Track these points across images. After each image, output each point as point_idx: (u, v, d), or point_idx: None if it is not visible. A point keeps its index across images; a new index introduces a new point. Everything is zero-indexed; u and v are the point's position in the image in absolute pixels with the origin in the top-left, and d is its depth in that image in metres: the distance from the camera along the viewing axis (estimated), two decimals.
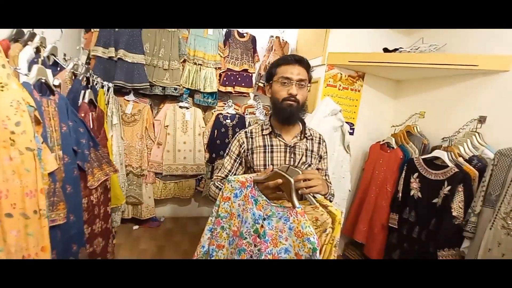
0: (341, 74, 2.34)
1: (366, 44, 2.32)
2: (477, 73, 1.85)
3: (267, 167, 1.06)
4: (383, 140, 2.30)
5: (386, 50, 2.21)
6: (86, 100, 1.48)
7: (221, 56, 2.71)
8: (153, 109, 2.71)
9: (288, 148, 1.10)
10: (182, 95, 2.64)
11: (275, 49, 2.79)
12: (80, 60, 1.69)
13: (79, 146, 1.27)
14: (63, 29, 1.57)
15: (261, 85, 2.86)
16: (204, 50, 2.62)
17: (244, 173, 1.14)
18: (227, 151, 1.18)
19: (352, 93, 2.41)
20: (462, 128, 1.87)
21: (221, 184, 1.06)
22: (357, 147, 2.48)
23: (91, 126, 1.49)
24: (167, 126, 2.63)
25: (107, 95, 1.94)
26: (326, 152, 1.22)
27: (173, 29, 2.46)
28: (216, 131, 2.72)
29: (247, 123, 2.79)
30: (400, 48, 2.18)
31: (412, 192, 1.92)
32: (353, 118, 2.46)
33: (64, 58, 1.68)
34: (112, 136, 2.01)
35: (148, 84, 2.37)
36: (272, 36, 2.86)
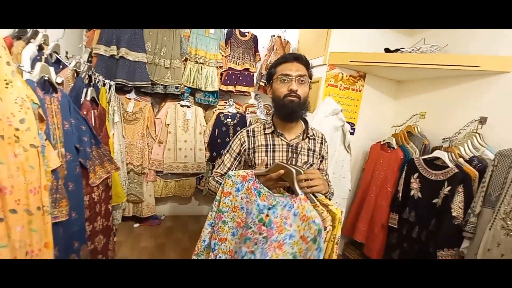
0: (342, 74, 2.34)
1: (368, 44, 2.32)
2: (478, 74, 1.85)
3: (269, 166, 1.06)
4: (384, 140, 2.31)
5: (387, 50, 2.22)
6: (88, 98, 1.49)
7: (222, 55, 2.71)
8: (154, 107, 2.72)
9: (290, 147, 1.10)
10: (183, 94, 2.65)
11: (276, 49, 2.79)
12: (82, 58, 1.69)
13: (81, 143, 1.27)
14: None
15: (262, 84, 2.86)
16: (205, 49, 2.62)
17: None
18: (227, 148, 1.18)
19: (353, 93, 2.41)
20: (462, 129, 1.87)
21: (221, 179, 1.07)
22: (358, 147, 2.49)
23: (93, 124, 1.49)
24: (168, 124, 2.64)
25: (108, 93, 1.95)
26: (327, 152, 1.22)
27: (175, 28, 2.47)
28: (217, 130, 2.73)
29: (248, 122, 2.79)
30: (402, 48, 2.18)
31: (412, 192, 1.93)
32: (354, 118, 2.47)
33: (66, 56, 1.68)
34: (113, 134, 2.01)
35: (150, 82, 2.38)
36: (273, 36, 2.86)
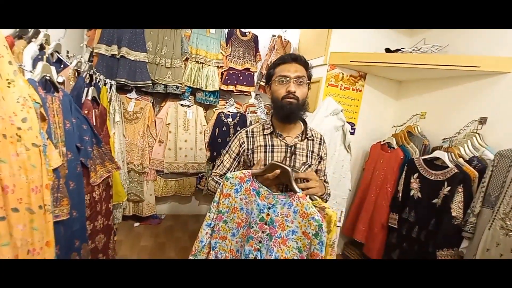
0: (342, 74, 2.34)
1: (368, 44, 2.33)
2: (478, 75, 1.85)
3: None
4: (384, 140, 2.31)
5: (388, 50, 2.22)
6: (89, 98, 1.49)
7: (223, 55, 2.71)
8: (155, 107, 2.72)
9: (288, 148, 1.10)
10: (184, 94, 2.65)
11: (277, 48, 2.79)
12: (83, 58, 1.70)
13: (82, 143, 1.28)
14: None
15: (263, 84, 2.86)
16: (206, 48, 2.63)
17: None
18: (226, 149, 1.18)
19: (353, 93, 2.42)
20: (462, 129, 1.88)
21: (220, 180, 1.07)
22: (358, 147, 2.50)
23: (94, 123, 1.50)
24: (168, 124, 2.65)
25: (109, 92, 1.95)
26: (326, 153, 1.22)
27: (176, 28, 2.47)
28: (217, 130, 2.73)
29: (248, 122, 2.80)
30: (402, 48, 2.18)
31: (412, 192, 1.93)
32: (354, 118, 2.47)
33: (68, 56, 1.68)
34: (114, 133, 2.02)
35: (150, 82, 2.38)
36: (274, 35, 2.86)
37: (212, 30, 2.65)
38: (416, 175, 1.92)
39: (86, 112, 1.40)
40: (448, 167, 1.73)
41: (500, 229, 1.40)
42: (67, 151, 1.16)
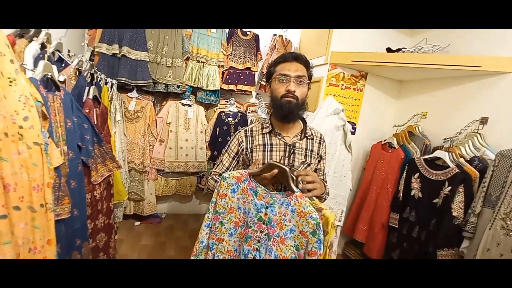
0: (343, 73, 2.34)
1: (369, 44, 2.32)
2: (480, 75, 1.85)
3: None
4: (385, 140, 2.31)
5: (389, 50, 2.21)
6: (90, 97, 1.50)
7: (224, 54, 2.71)
8: (155, 106, 2.73)
9: (287, 147, 1.09)
10: (184, 93, 2.65)
11: (278, 48, 2.79)
12: (84, 57, 1.70)
13: (84, 141, 1.28)
14: None
15: (264, 83, 2.86)
16: (207, 48, 2.63)
17: None
18: (226, 148, 1.18)
19: (354, 92, 2.41)
20: (463, 129, 1.87)
21: (219, 179, 1.07)
22: (359, 146, 2.49)
23: (95, 122, 1.50)
24: (169, 123, 2.65)
25: (110, 91, 1.96)
26: (326, 152, 1.22)
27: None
28: (218, 129, 2.73)
29: (249, 121, 2.80)
30: (403, 48, 2.18)
31: (412, 192, 1.93)
32: (355, 118, 2.47)
33: (69, 55, 1.69)
34: (115, 132, 2.02)
35: (151, 81, 2.38)
36: (275, 35, 2.86)
37: (213, 30, 2.64)
38: (417, 175, 1.92)
39: (87, 111, 1.40)
40: (449, 167, 1.73)
41: (500, 229, 1.40)
42: (68, 150, 1.16)
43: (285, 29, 2.84)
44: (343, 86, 2.37)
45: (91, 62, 1.76)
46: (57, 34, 1.45)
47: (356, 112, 2.47)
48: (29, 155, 0.80)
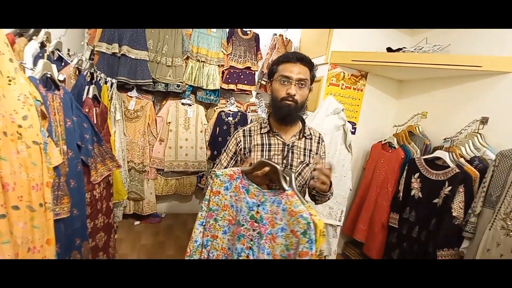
0: (344, 73, 2.34)
1: (370, 43, 2.32)
2: (480, 74, 1.84)
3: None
4: (385, 140, 2.31)
5: (389, 49, 2.21)
6: (90, 96, 1.49)
7: (224, 54, 2.71)
8: (155, 105, 2.72)
9: (286, 147, 1.09)
10: (184, 92, 2.65)
11: (278, 47, 2.79)
12: (84, 56, 1.69)
13: (83, 141, 1.28)
14: None
15: (264, 83, 2.86)
16: (207, 47, 2.62)
17: None
18: (225, 148, 1.18)
19: (354, 92, 2.41)
20: (464, 129, 1.87)
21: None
22: (359, 146, 2.49)
23: (95, 122, 1.50)
24: (169, 122, 2.64)
25: (110, 91, 1.95)
26: (325, 152, 1.21)
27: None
28: (218, 129, 2.73)
29: (249, 121, 2.79)
30: (404, 48, 2.18)
31: (412, 192, 1.93)
32: (355, 118, 2.47)
33: (68, 54, 1.68)
34: (115, 132, 2.02)
35: (151, 80, 2.38)
36: (275, 34, 2.86)
37: (213, 29, 2.64)
38: (417, 174, 1.92)
39: (87, 110, 1.40)
40: (449, 167, 1.73)
41: (500, 229, 1.40)
42: (68, 149, 1.15)
43: (285, 29, 2.83)
44: (343, 85, 2.36)
45: (90, 61, 1.76)
46: (57, 33, 1.44)
47: (356, 111, 2.46)
48: (28, 154, 0.80)
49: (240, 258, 0.90)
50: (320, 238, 0.78)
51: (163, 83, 2.48)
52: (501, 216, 1.41)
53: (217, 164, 1.18)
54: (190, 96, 2.71)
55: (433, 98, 2.22)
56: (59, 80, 1.15)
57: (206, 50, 2.62)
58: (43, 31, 1.28)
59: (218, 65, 2.69)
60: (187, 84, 2.60)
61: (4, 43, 0.77)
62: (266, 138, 1.10)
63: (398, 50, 2.17)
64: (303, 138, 1.13)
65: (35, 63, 1.09)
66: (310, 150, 1.13)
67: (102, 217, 1.56)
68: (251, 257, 0.89)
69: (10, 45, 0.82)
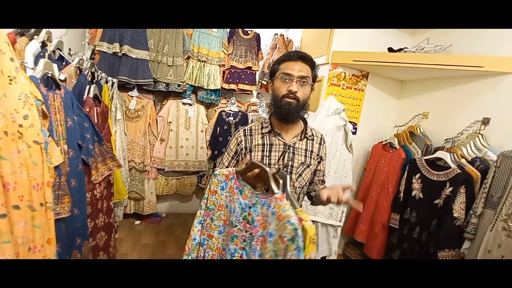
0: (345, 73, 2.33)
1: (371, 43, 2.31)
2: (482, 75, 1.84)
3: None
4: (386, 140, 2.31)
5: (390, 50, 2.21)
6: (91, 95, 1.49)
7: (225, 53, 2.71)
8: (156, 105, 2.72)
9: (287, 147, 1.08)
10: (185, 92, 2.65)
11: (279, 47, 2.78)
12: (85, 55, 1.70)
13: (84, 140, 1.28)
14: None
15: (265, 83, 2.86)
16: (208, 47, 2.62)
17: None
18: (226, 148, 1.18)
19: (355, 92, 2.41)
20: (465, 130, 1.86)
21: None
22: (360, 146, 2.49)
23: (96, 121, 1.50)
24: (170, 122, 2.64)
25: (111, 90, 1.96)
26: (326, 153, 1.20)
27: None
28: (218, 128, 2.73)
29: (249, 121, 2.79)
30: (405, 48, 2.17)
31: (413, 193, 1.92)
32: (356, 118, 2.46)
33: (69, 53, 1.69)
34: (115, 131, 2.02)
35: (152, 80, 2.38)
36: (276, 34, 2.85)
37: (214, 29, 2.64)
38: (418, 175, 1.91)
39: (87, 109, 1.40)
40: (450, 167, 1.72)
41: (502, 231, 1.39)
42: (69, 148, 1.16)
43: (286, 29, 2.83)
44: (344, 86, 2.36)
45: (91, 61, 1.76)
46: (58, 33, 1.44)
47: (357, 112, 2.46)
48: (29, 154, 0.80)
49: (234, 258, 0.90)
50: (309, 245, 0.73)
51: (164, 82, 2.48)
52: (503, 217, 1.40)
53: (219, 164, 1.17)
54: (191, 96, 2.71)
55: (434, 99, 2.21)
56: (60, 80, 1.15)
57: (207, 50, 2.62)
58: (44, 30, 1.28)
59: (219, 65, 2.69)
60: (188, 83, 2.60)
61: (5, 42, 0.77)
62: (267, 138, 1.09)
63: (399, 50, 2.16)
64: (305, 139, 1.12)
65: (36, 63, 1.09)
66: (312, 151, 1.12)
67: (102, 216, 1.56)
68: (244, 258, 0.89)
69: (11, 44, 0.82)
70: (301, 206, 1.14)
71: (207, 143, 2.80)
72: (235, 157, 1.14)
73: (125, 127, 2.37)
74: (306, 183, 1.11)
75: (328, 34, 2.31)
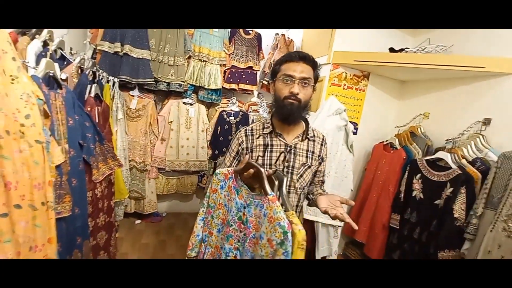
0: (346, 73, 2.33)
1: (372, 43, 2.31)
2: (483, 75, 1.83)
3: (266, 166, 1.05)
4: (387, 141, 2.30)
5: (392, 50, 2.20)
6: (92, 95, 1.50)
7: (226, 53, 2.71)
8: (157, 104, 2.72)
9: (288, 148, 1.07)
10: (186, 91, 2.65)
11: (280, 47, 2.78)
12: (86, 55, 1.70)
13: (85, 140, 1.28)
14: None
15: (266, 83, 2.86)
16: (209, 46, 2.62)
17: None
18: (228, 148, 1.18)
19: (356, 92, 2.40)
20: (466, 130, 1.86)
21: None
22: (360, 147, 2.48)
23: (97, 121, 1.50)
24: (171, 122, 2.64)
25: (112, 90, 1.96)
26: (327, 154, 1.20)
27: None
28: (219, 128, 2.73)
29: (250, 121, 2.79)
30: (406, 48, 2.17)
31: (414, 193, 1.92)
32: (357, 118, 2.46)
33: (71, 52, 1.69)
34: (116, 131, 2.02)
35: (153, 79, 2.38)
36: (277, 34, 2.85)
37: (215, 29, 2.64)
38: (418, 175, 1.91)
39: (89, 109, 1.40)
40: (451, 168, 1.72)
41: (502, 231, 1.39)
42: (70, 148, 1.16)
43: (287, 29, 2.83)
44: (345, 86, 2.36)
45: (93, 60, 1.76)
46: (59, 32, 1.44)
47: (358, 112, 2.46)
48: (30, 153, 0.80)
49: (228, 258, 0.90)
50: (297, 251, 0.71)
51: (165, 82, 2.48)
52: (503, 218, 1.40)
53: (221, 164, 1.17)
54: (192, 96, 2.71)
55: (436, 99, 2.21)
56: (62, 79, 1.16)
57: (208, 50, 2.62)
58: (45, 30, 1.29)
59: (220, 65, 2.69)
60: (189, 83, 2.60)
61: (7, 41, 0.77)
62: (268, 139, 1.09)
63: (401, 50, 2.16)
64: (306, 140, 1.11)
65: (37, 62, 1.10)
66: (313, 152, 1.12)
67: (103, 216, 1.56)
68: (238, 258, 0.89)
69: (13, 44, 0.82)
70: (302, 207, 1.15)
71: (208, 143, 2.80)
72: (236, 158, 1.14)
73: (126, 127, 2.38)
74: (307, 184, 1.11)
75: (329, 34, 2.31)
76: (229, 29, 2.73)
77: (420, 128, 2.19)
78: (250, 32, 2.80)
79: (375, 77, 2.42)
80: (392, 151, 2.22)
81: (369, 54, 2.17)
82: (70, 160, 1.16)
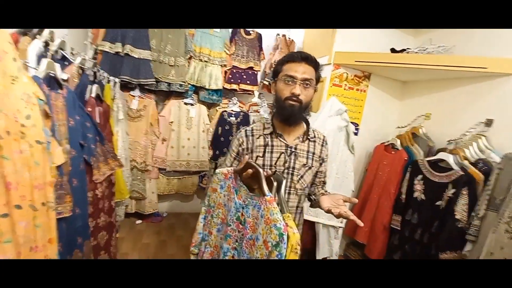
0: (347, 73, 2.33)
1: (373, 44, 2.30)
2: (485, 76, 1.82)
3: (266, 167, 1.04)
4: (388, 141, 2.30)
5: (393, 50, 2.20)
6: (93, 95, 1.49)
7: (227, 54, 2.71)
8: (158, 105, 2.72)
9: (289, 149, 1.07)
10: (187, 92, 2.65)
11: (281, 48, 2.78)
12: (87, 55, 1.70)
13: (86, 140, 1.28)
14: None
15: (266, 83, 2.86)
16: (210, 47, 2.62)
17: None
18: (228, 149, 1.17)
19: (357, 93, 2.40)
20: (468, 131, 1.85)
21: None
22: (361, 147, 2.48)
23: (98, 121, 1.50)
24: (171, 122, 2.65)
25: (113, 90, 1.96)
26: (328, 155, 1.19)
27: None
28: (220, 128, 2.73)
29: (251, 121, 2.79)
30: (408, 48, 2.16)
31: (415, 194, 1.91)
32: (358, 119, 2.46)
33: (72, 53, 1.69)
34: (117, 131, 2.02)
35: (154, 80, 2.38)
36: (278, 35, 2.85)
37: (216, 29, 2.64)
38: (420, 176, 1.90)
39: (89, 109, 1.40)
40: (452, 169, 1.71)
41: (504, 233, 1.38)
42: (71, 148, 1.16)
43: (288, 29, 2.82)
44: (346, 86, 2.35)
45: (94, 61, 1.76)
46: (61, 32, 1.44)
47: (359, 112, 2.45)
48: (31, 153, 0.80)
49: (226, 258, 0.90)
50: (290, 255, 0.71)
51: (166, 82, 2.48)
52: (505, 219, 1.39)
53: (222, 165, 1.17)
54: (193, 96, 2.71)
55: (437, 100, 2.20)
56: (63, 79, 1.16)
57: (209, 50, 2.62)
58: (47, 30, 1.28)
59: (221, 65, 2.69)
60: (189, 83, 2.60)
61: (8, 42, 0.77)
62: (269, 139, 1.08)
63: (402, 50, 2.15)
64: (307, 141, 1.11)
65: (38, 62, 1.10)
66: (314, 153, 1.11)
67: (104, 216, 1.56)
68: (236, 258, 0.89)
69: (14, 44, 0.82)
70: (302, 208, 1.14)
71: (209, 143, 2.80)
72: (237, 158, 1.13)
73: (127, 127, 2.38)
74: (308, 185, 1.11)
75: (330, 35, 2.30)
76: (230, 30, 2.73)
77: (422, 129, 2.18)
78: (251, 32, 2.80)
79: (376, 78, 2.41)
80: (393, 152, 2.21)
81: (370, 55, 2.17)
82: (71, 160, 1.16)
